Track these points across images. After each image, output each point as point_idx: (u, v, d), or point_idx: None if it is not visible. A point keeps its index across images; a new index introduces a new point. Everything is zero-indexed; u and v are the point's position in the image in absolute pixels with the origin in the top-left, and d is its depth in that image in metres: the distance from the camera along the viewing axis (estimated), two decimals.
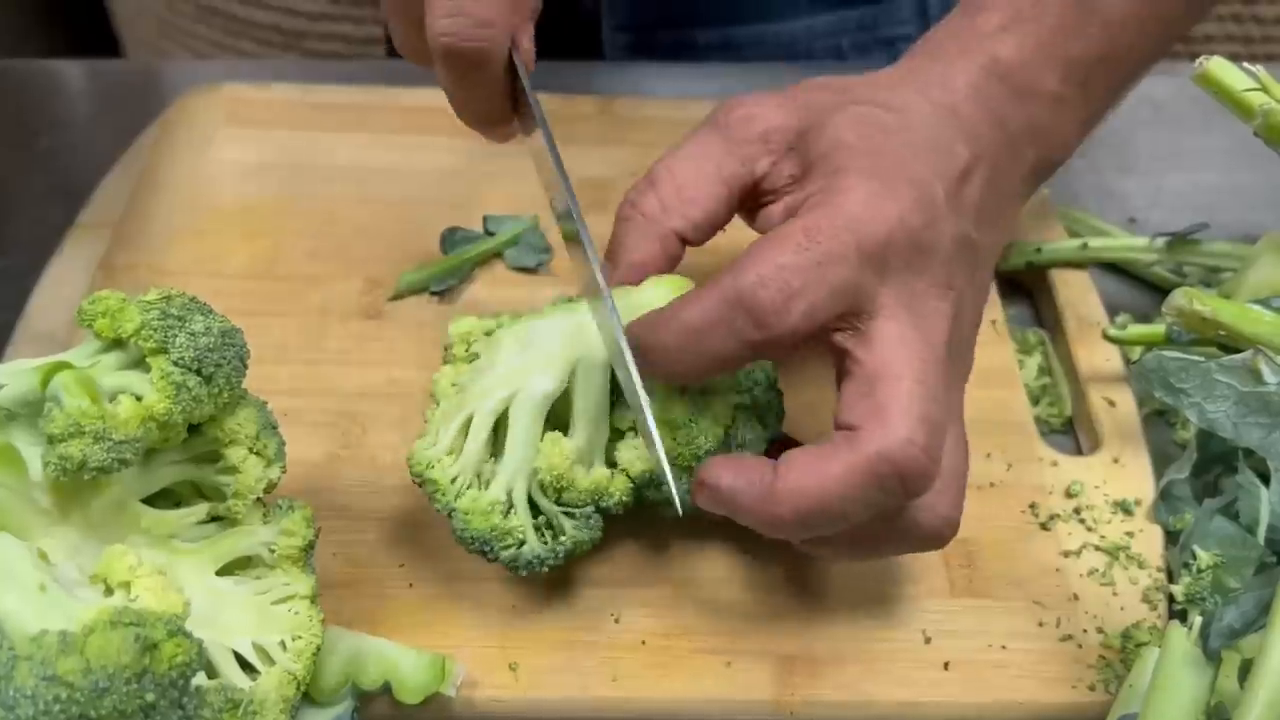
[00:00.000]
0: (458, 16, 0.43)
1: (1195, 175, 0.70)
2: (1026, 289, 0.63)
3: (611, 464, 0.45)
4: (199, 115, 0.66)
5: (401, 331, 0.57)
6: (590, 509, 0.44)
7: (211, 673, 0.39)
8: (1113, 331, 0.56)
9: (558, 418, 0.45)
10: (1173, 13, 0.50)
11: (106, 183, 0.63)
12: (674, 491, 0.42)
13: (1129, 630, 0.47)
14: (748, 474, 0.41)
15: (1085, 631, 0.47)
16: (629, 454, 0.44)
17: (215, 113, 0.67)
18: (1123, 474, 0.53)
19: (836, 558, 0.46)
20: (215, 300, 0.42)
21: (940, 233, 0.43)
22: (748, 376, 0.46)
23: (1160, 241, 0.60)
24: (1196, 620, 0.40)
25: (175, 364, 0.39)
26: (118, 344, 0.40)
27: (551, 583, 0.48)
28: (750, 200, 0.47)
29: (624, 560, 0.49)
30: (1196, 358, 0.46)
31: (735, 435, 0.45)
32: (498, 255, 0.61)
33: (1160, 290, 0.62)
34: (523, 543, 0.44)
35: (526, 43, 0.45)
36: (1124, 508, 0.52)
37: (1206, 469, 0.51)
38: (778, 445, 0.45)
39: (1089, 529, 0.51)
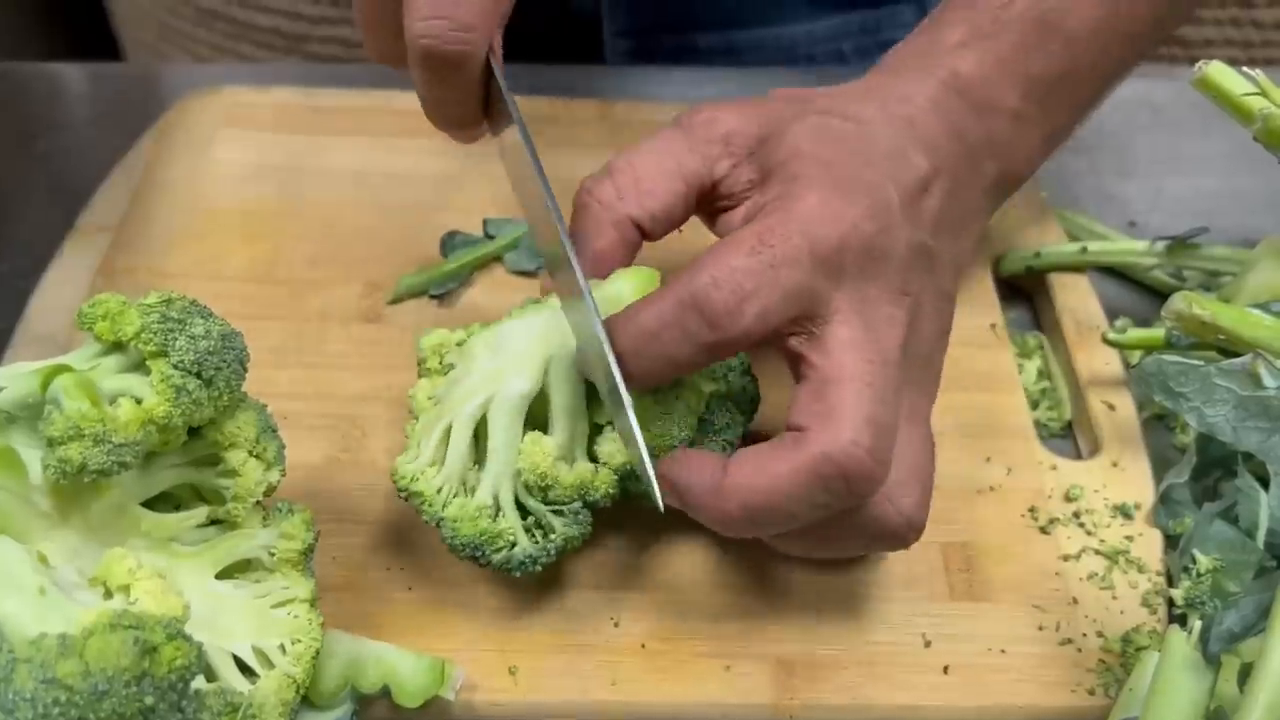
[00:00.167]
0: (438, 19, 0.43)
1: (1195, 179, 0.70)
2: (1026, 293, 0.63)
3: (593, 458, 0.45)
4: (199, 118, 0.67)
5: (401, 335, 0.57)
6: (578, 505, 0.44)
7: (211, 676, 0.39)
8: (1112, 335, 0.56)
9: (536, 417, 0.45)
10: (1136, 31, 0.51)
11: (106, 186, 0.63)
12: (655, 489, 0.42)
13: (1129, 634, 0.47)
14: (700, 470, 0.41)
15: (1085, 635, 0.47)
16: (610, 447, 0.44)
17: (215, 116, 0.67)
18: (1122, 478, 0.53)
19: (804, 554, 0.46)
20: (215, 303, 0.42)
21: (895, 239, 0.43)
22: (721, 363, 0.46)
23: (1160, 245, 0.60)
24: (1196, 624, 0.40)
25: (175, 367, 0.39)
26: (118, 347, 0.40)
27: (551, 586, 0.48)
28: (709, 203, 0.47)
29: (623, 564, 0.49)
30: (1196, 362, 0.46)
31: (712, 423, 0.46)
32: (497, 259, 0.61)
33: (1160, 294, 0.62)
34: (514, 544, 0.44)
35: (498, 43, 0.45)
36: (1124, 512, 0.52)
37: (1206, 473, 0.51)
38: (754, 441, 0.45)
39: (1088, 533, 0.51)
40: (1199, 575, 0.46)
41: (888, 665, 0.46)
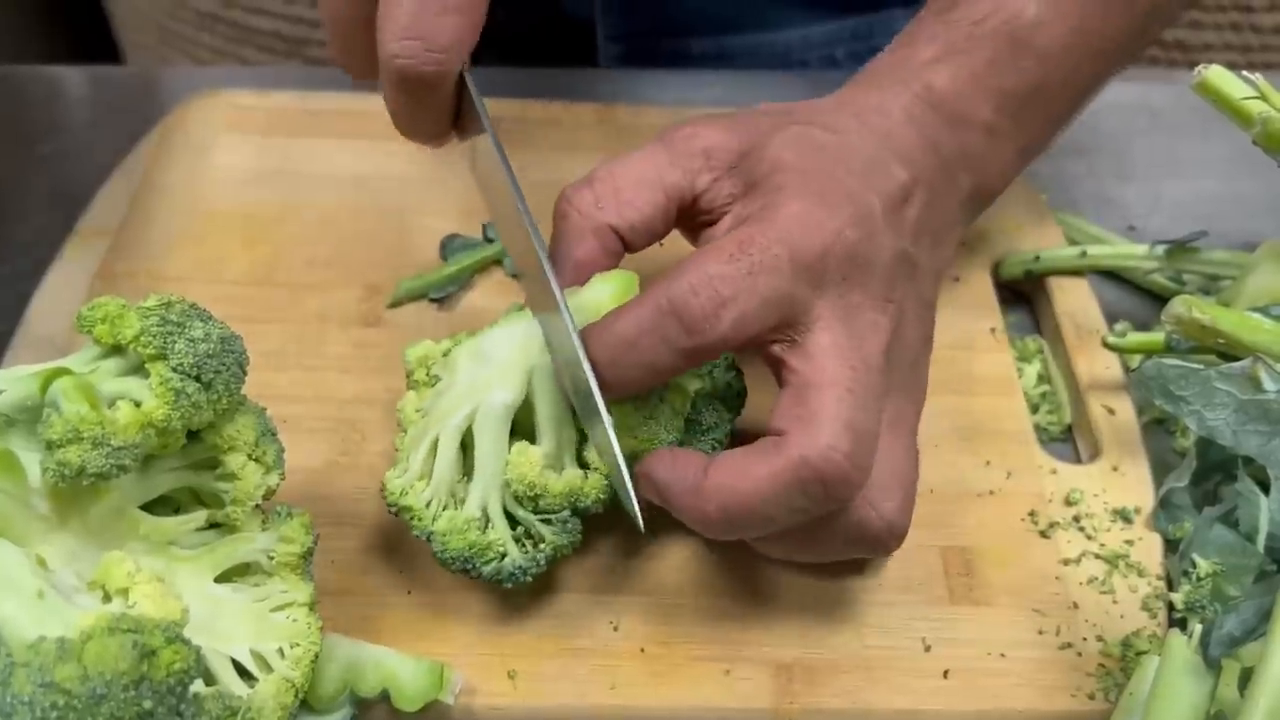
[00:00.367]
0: (413, 40, 0.43)
1: (1194, 183, 0.70)
2: (1025, 297, 0.63)
3: (583, 465, 0.45)
4: (199, 122, 0.67)
5: (401, 338, 0.57)
6: (566, 513, 0.44)
7: (209, 680, 0.39)
8: (1112, 339, 0.56)
9: (523, 426, 0.45)
10: (1108, 48, 0.51)
11: (106, 189, 0.63)
12: (635, 505, 0.42)
13: (1129, 638, 0.47)
14: (681, 469, 0.42)
15: (1085, 640, 0.47)
16: (598, 453, 0.44)
17: (215, 119, 0.67)
18: (1122, 482, 0.53)
19: (787, 557, 0.47)
20: (214, 306, 0.42)
21: (879, 247, 0.44)
22: None
23: (1159, 249, 0.60)
24: (1196, 628, 0.40)
25: (174, 370, 0.39)
26: (117, 350, 0.40)
27: (550, 591, 0.48)
28: (690, 218, 0.47)
29: (622, 568, 0.49)
30: (1196, 365, 0.46)
31: (699, 423, 0.46)
32: (497, 262, 0.61)
33: (1159, 298, 0.62)
34: (504, 555, 0.44)
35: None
36: (1123, 516, 0.52)
37: (1206, 477, 0.51)
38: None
39: (1088, 537, 0.51)
40: (1199, 579, 0.46)
41: (887, 669, 0.46)
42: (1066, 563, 0.50)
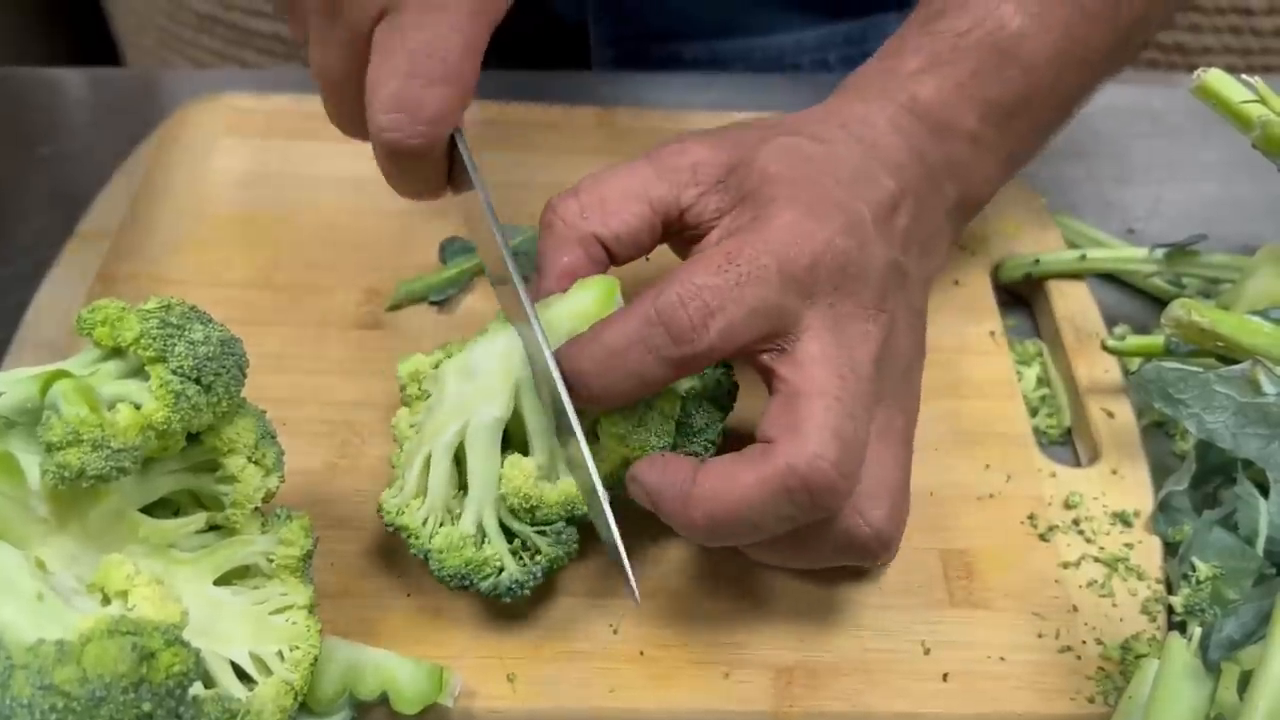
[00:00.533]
0: (402, 113, 0.43)
1: (1194, 186, 0.70)
2: (1025, 300, 0.63)
3: None
4: (199, 125, 0.67)
5: (400, 341, 0.57)
6: (561, 524, 0.44)
7: (208, 683, 0.39)
8: (1111, 342, 0.56)
9: (515, 437, 0.45)
10: (1092, 58, 0.52)
11: (106, 191, 0.63)
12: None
13: (1128, 642, 0.47)
14: (670, 475, 0.42)
15: (1084, 643, 0.47)
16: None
17: (215, 122, 0.67)
18: (1121, 485, 0.53)
19: (779, 564, 0.47)
20: (214, 309, 0.42)
21: (871, 255, 0.44)
22: None
23: (1159, 253, 0.60)
24: (1196, 632, 0.40)
25: (174, 373, 0.39)
26: (117, 352, 0.40)
27: (549, 594, 0.48)
28: (676, 232, 0.47)
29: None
30: (1195, 369, 0.46)
31: (690, 425, 0.46)
32: None
33: (1159, 301, 0.62)
34: (501, 569, 0.44)
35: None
36: (1123, 519, 0.52)
37: (1205, 480, 0.51)
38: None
39: (1088, 540, 0.51)
40: (1199, 582, 0.46)
41: (887, 672, 0.46)
42: (1066, 566, 0.50)
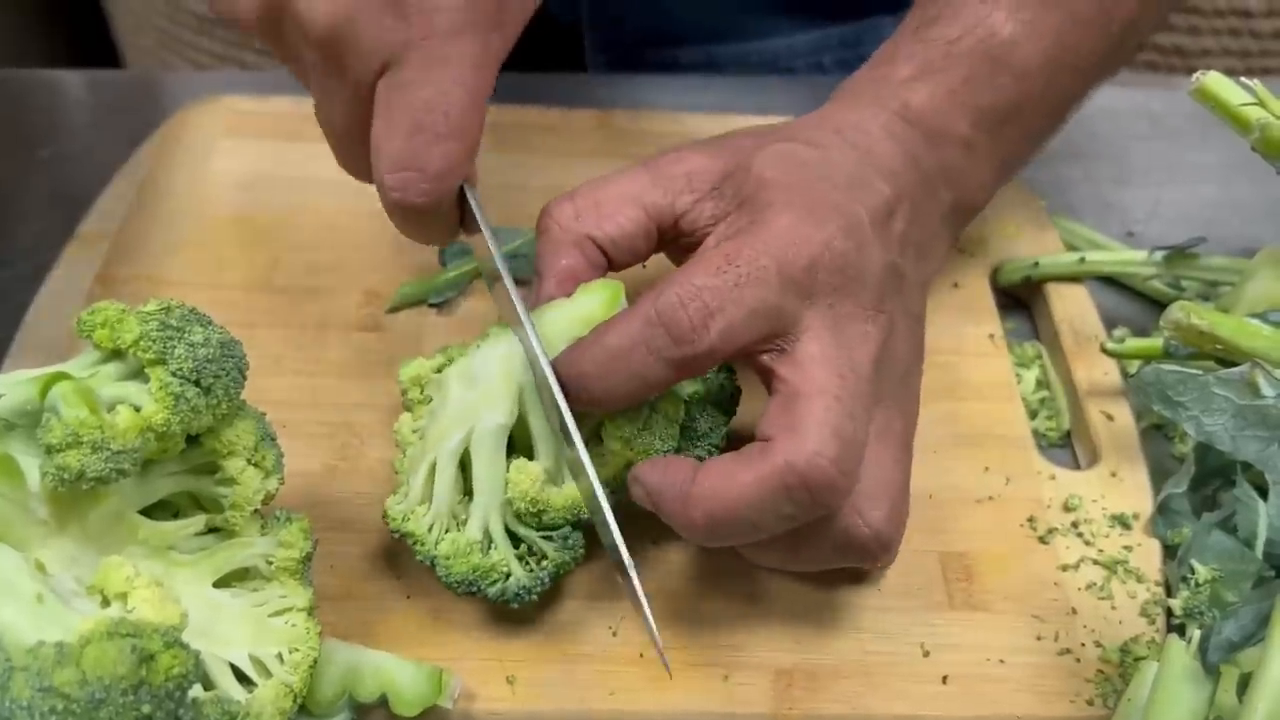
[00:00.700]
0: (407, 172, 0.43)
1: (1193, 189, 0.70)
2: (1024, 303, 0.63)
3: None
4: (199, 127, 0.67)
5: (400, 344, 0.57)
6: (568, 529, 0.44)
7: (208, 685, 0.39)
8: (1110, 345, 0.56)
9: (520, 441, 0.45)
10: (1084, 65, 0.52)
11: (106, 193, 0.63)
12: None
13: (1127, 644, 0.47)
14: (671, 475, 0.42)
15: (1083, 645, 0.47)
16: (594, 461, 0.44)
17: (215, 124, 0.67)
18: (1121, 488, 0.53)
19: (777, 565, 0.47)
20: (214, 311, 0.42)
21: (869, 257, 0.44)
22: None
23: (1158, 255, 0.60)
24: (1195, 634, 0.40)
25: (174, 375, 0.39)
26: (117, 354, 0.40)
27: (549, 596, 0.47)
28: (672, 239, 0.48)
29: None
30: (1194, 371, 0.46)
31: (694, 429, 0.46)
32: None
33: (1158, 304, 0.62)
34: (508, 575, 0.44)
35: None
36: (1122, 521, 0.52)
37: (1204, 483, 0.51)
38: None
39: (1087, 543, 0.51)
40: (1198, 585, 0.46)
41: (886, 675, 0.46)
42: (1065, 568, 0.50)
